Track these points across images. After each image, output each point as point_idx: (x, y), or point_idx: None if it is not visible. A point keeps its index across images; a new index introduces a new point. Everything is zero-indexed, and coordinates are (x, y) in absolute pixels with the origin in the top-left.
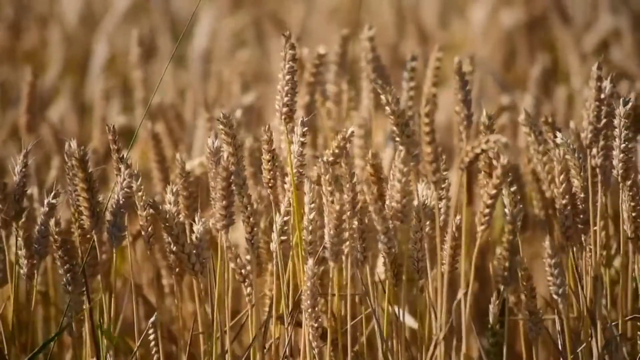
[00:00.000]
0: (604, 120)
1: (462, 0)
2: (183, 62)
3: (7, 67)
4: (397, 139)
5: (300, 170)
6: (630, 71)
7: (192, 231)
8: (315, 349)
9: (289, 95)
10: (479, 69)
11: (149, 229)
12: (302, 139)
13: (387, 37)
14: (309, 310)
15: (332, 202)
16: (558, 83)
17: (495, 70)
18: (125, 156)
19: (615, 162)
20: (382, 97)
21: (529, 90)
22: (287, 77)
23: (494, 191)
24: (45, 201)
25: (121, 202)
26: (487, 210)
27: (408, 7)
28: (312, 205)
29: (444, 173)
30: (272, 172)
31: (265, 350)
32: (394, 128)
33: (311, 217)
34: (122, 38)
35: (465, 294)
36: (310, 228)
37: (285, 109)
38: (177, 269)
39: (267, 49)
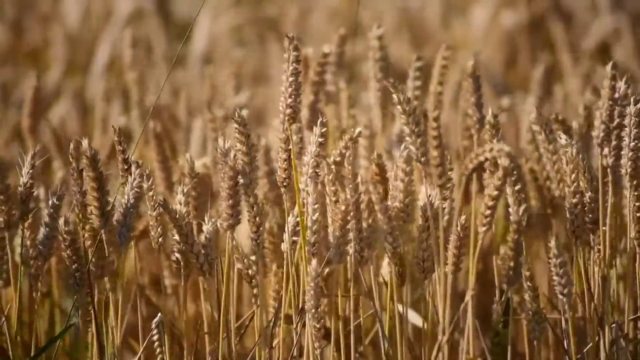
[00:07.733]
0: (617, 120)
1: (463, 0)
2: (182, 63)
3: (10, 68)
4: (407, 138)
5: (317, 171)
6: (631, 71)
7: (200, 231)
8: (318, 350)
9: (292, 96)
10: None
11: (159, 229)
12: (320, 140)
13: (388, 37)
14: (312, 310)
15: (336, 202)
16: (557, 83)
17: (495, 71)
18: (130, 156)
19: (624, 160)
20: (394, 95)
21: (531, 90)
22: (291, 78)
23: (495, 192)
24: (50, 202)
25: (131, 201)
26: (488, 212)
27: (409, 7)
28: (316, 205)
29: (449, 174)
30: (287, 172)
31: (269, 350)
32: (405, 127)
33: (314, 217)
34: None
35: (469, 296)
36: (314, 228)
37: (289, 111)
38: (184, 269)
39: (267, 49)
